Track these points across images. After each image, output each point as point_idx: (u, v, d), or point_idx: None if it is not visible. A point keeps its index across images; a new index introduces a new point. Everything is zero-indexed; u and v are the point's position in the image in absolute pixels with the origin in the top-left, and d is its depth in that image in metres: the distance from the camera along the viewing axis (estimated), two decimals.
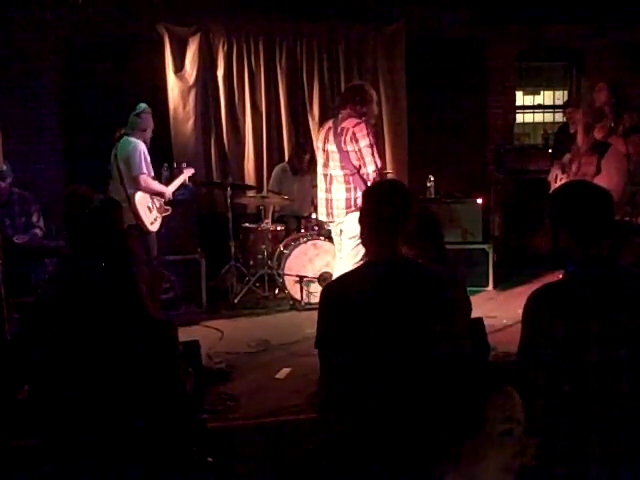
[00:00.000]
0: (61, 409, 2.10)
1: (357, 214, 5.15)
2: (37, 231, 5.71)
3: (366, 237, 2.41)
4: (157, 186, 5.82)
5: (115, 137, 5.66)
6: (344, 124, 5.03)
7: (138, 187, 5.58)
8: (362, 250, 5.12)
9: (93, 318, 2.16)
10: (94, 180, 5.30)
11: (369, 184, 5.00)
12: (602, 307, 2.02)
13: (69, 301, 2.22)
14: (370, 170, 5.01)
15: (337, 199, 5.14)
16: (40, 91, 7.02)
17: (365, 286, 2.27)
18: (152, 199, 5.73)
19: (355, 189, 5.06)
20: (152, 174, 5.75)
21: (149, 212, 5.67)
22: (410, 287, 2.25)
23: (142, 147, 5.59)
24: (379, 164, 4.99)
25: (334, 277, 5.41)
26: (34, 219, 5.75)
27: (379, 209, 2.38)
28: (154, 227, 5.72)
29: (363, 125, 5.00)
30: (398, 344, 2.17)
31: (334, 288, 2.40)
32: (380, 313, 2.20)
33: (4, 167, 5.62)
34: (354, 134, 4.96)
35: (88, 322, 2.15)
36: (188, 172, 6.21)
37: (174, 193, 5.95)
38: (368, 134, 4.98)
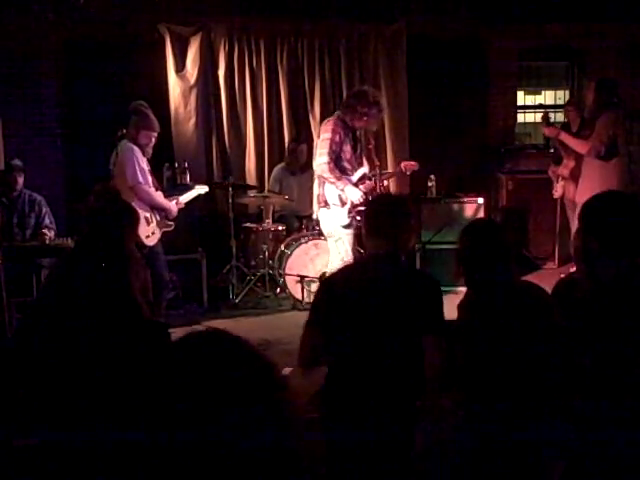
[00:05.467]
0: (56, 407, 2.10)
1: (325, 210, 5.39)
2: (52, 232, 5.73)
3: (365, 240, 2.81)
4: (160, 200, 5.33)
5: (116, 137, 5.63)
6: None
7: (135, 197, 5.08)
8: (343, 247, 5.20)
9: (89, 319, 2.16)
10: (94, 181, 5.29)
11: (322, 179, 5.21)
12: (610, 319, 2.02)
13: (66, 302, 2.22)
14: (315, 164, 5.19)
15: (314, 194, 5.39)
16: (41, 91, 7.02)
17: (353, 279, 2.68)
18: (152, 211, 5.28)
19: (323, 184, 5.19)
20: (149, 184, 5.26)
21: (146, 224, 5.18)
22: (390, 280, 2.63)
23: (136, 153, 5.14)
24: (325, 160, 5.05)
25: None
26: (47, 221, 5.80)
27: (371, 218, 2.79)
28: (150, 241, 5.21)
29: (331, 121, 5.17)
30: (378, 327, 2.54)
31: (334, 276, 2.89)
32: (361, 300, 2.58)
33: (18, 162, 5.68)
34: (321, 129, 5.15)
35: (84, 323, 2.15)
36: (201, 189, 5.86)
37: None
38: (332, 130, 5.08)
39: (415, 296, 2.60)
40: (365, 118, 5.19)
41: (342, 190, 5.13)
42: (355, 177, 5.27)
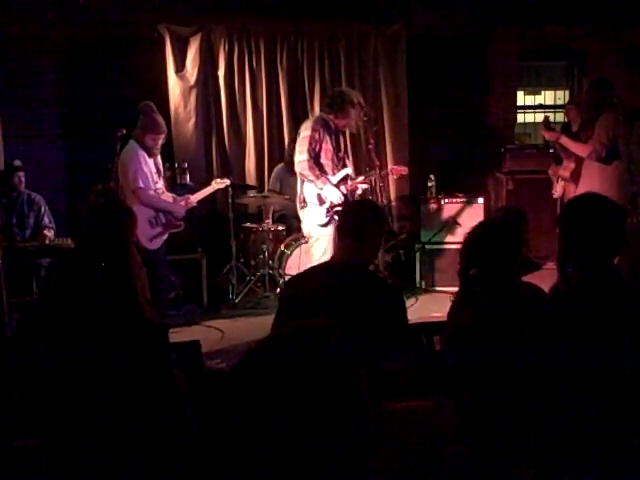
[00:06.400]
0: (56, 409, 2.10)
1: (305, 210, 5.41)
2: (52, 231, 5.73)
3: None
4: (163, 203, 5.25)
5: (116, 137, 5.62)
6: None
7: (137, 200, 4.99)
8: (320, 247, 5.17)
9: (90, 320, 2.16)
10: (94, 181, 5.29)
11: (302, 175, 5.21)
12: (571, 328, 1.97)
13: (67, 302, 2.22)
14: (295, 162, 5.21)
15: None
16: (40, 91, 7.02)
17: (316, 282, 2.66)
18: (157, 213, 5.19)
19: (302, 183, 5.22)
20: (155, 187, 5.20)
21: (149, 227, 5.11)
22: (353, 288, 2.60)
23: (139, 156, 5.06)
24: (304, 158, 5.06)
25: None
26: (46, 220, 5.80)
27: (342, 219, 2.94)
28: (153, 244, 5.14)
29: (311, 120, 5.24)
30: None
31: (293, 281, 2.94)
32: (323, 305, 2.51)
33: (19, 163, 5.70)
34: (300, 127, 5.24)
35: (85, 323, 2.15)
36: (219, 184, 5.82)
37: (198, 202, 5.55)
38: (312, 128, 5.09)
39: (375, 310, 2.55)
40: (362, 115, 5.23)
41: (321, 189, 5.13)
42: (337, 177, 5.25)
